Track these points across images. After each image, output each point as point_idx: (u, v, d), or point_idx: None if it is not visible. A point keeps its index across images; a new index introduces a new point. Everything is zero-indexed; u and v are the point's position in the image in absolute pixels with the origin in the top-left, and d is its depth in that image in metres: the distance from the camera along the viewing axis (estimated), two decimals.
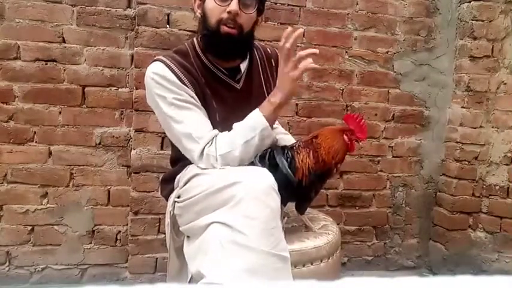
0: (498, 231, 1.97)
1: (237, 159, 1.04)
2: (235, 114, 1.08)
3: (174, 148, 1.20)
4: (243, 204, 0.90)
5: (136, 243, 1.74)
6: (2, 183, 1.71)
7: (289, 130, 1.76)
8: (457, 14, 2.01)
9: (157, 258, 1.76)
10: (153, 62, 1.12)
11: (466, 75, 1.96)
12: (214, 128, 1.10)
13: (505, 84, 1.95)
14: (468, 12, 1.95)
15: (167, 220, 1.19)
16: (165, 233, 1.40)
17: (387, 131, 2.01)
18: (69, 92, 1.73)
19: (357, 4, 1.92)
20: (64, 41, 1.72)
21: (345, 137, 1.15)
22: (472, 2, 1.93)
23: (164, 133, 1.45)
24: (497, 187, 1.98)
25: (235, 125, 1.06)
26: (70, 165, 1.76)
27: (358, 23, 1.93)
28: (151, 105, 1.15)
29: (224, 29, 1.08)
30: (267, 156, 1.11)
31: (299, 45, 1.86)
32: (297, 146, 1.15)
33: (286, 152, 1.13)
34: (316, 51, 1.01)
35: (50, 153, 1.74)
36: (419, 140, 2.06)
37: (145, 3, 1.68)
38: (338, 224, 1.43)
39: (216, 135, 1.07)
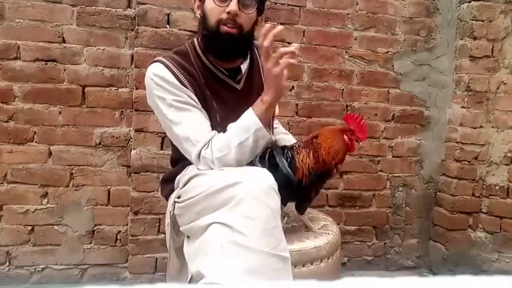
0: (498, 231, 1.97)
1: (233, 161, 1.04)
2: (235, 115, 1.08)
3: (174, 148, 1.20)
4: (243, 205, 0.90)
5: (136, 243, 1.74)
6: (2, 183, 1.71)
7: (289, 130, 1.76)
8: (457, 14, 2.01)
9: (157, 258, 1.76)
10: (152, 63, 1.12)
11: (466, 75, 1.96)
12: (214, 128, 1.10)
13: (505, 84, 1.95)
14: (468, 12, 1.95)
15: (167, 220, 1.19)
16: (165, 233, 1.40)
17: (387, 131, 2.01)
18: (69, 92, 1.73)
19: (357, 4, 1.92)
20: (64, 41, 1.72)
21: (345, 137, 1.15)
22: (472, 2, 1.93)
23: (164, 133, 1.45)
24: (497, 187, 1.98)
25: (230, 126, 1.06)
26: (70, 165, 1.76)
27: (358, 23, 1.93)
28: (152, 106, 1.15)
29: (224, 28, 1.08)
30: (267, 156, 1.11)
31: (300, 45, 1.87)
32: (297, 146, 1.15)
33: (286, 152, 1.13)
34: (295, 50, 1.00)
35: (50, 153, 1.74)
36: (419, 140, 2.06)
37: (145, 3, 1.68)
38: (338, 224, 1.43)
39: (212, 138, 1.06)
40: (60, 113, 1.73)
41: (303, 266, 1.12)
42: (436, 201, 2.09)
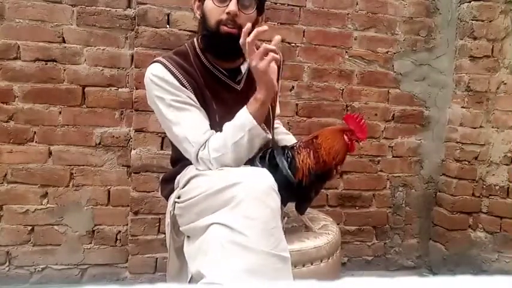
0: (498, 231, 1.97)
1: (230, 161, 1.04)
2: (234, 115, 1.08)
3: (174, 148, 1.20)
4: (243, 205, 0.89)
5: (136, 243, 1.74)
6: (2, 183, 1.71)
7: (289, 130, 1.76)
8: (457, 14, 2.01)
9: (157, 258, 1.76)
10: (152, 63, 1.12)
11: (466, 75, 1.96)
12: (213, 128, 1.10)
13: (505, 84, 1.95)
14: (468, 12, 1.95)
15: (167, 220, 1.19)
16: (165, 233, 1.40)
17: (387, 131, 2.01)
18: (69, 92, 1.73)
19: (357, 4, 1.92)
20: (64, 41, 1.72)
21: (345, 137, 1.15)
22: (472, 2, 1.93)
23: (164, 133, 1.45)
24: (497, 187, 1.98)
25: (226, 125, 1.06)
26: (70, 165, 1.76)
27: (358, 23, 1.93)
28: (152, 106, 1.16)
29: (224, 29, 1.07)
30: (267, 157, 1.11)
31: (300, 45, 1.87)
32: (297, 146, 1.15)
33: (286, 152, 1.13)
34: (277, 44, 1.00)
35: (50, 153, 1.74)
36: (419, 140, 2.06)
37: (145, 3, 1.68)
38: (338, 224, 1.43)
39: (209, 138, 1.06)
40: (60, 113, 1.73)
41: (303, 266, 1.12)
42: (436, 201, 2.09)
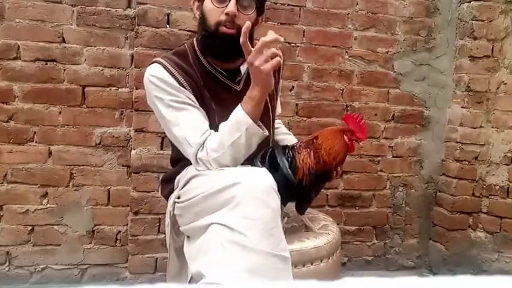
0: (498, 231, 1.97)
1: (229, 161, 1.04)
2: None
3: (174, 148, 1.20)
4: (243, 205, 0.89)
5: (136, 243, 1.74)
6: (2, 183, 1.71)
7: (289, 130, 1.76)
8: (457, 14, 2.01)
9: (157, 258, 1.76)
10: (151, 64, 1.12)
11: (466, 75, 1.96)
12: (213, 129, 1.09)
13: (505, 84, 1.95)
14: (468, 12, 1.95)
15: (167, 220, 1.19)
16: (165, 233, 1.40)
17: (387, 131, 2.01)
18: (69, 92, 1.73)
19: (357, 4, 1.92)
20: (64, 41, 1.72)
21: (345, 137, 1.15)
22: (472, 2, 1.93)
23: (164, 133, 1.45)
24: (497, 187, 1.98)
25: (222, 125, 1.06)
26: (70, 165, 1.76)
27: (358, 23, 1.93)
28: (151, 107, 1.15)
29: (223, 30, 1.07)
30: (268, 156, 1.11)
31: (300, 45, 1.87)
32: (297, 146, 1.15)
33: (287, 151, 1.13)
34: (281, 38, 0.99)
35: (50, 153, 1.74)
36: (419, 140, 2.06)
37: (145, 3, 1.68)
38: (338, 224, 1.43)
39: (207, 139, 1.06)
40: (60, 113, 1.73)
41: (303, 266, 1.12)
42: (436, 201, 2.09)
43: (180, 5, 1.70)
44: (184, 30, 1.72)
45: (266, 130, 1.09)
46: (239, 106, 1.05)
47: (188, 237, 1.07)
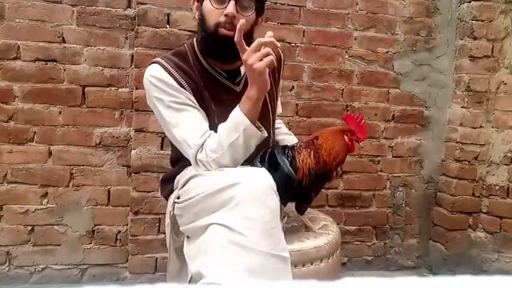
0: (498, 231, 1.97)
1: (228, 162, 1.04)
2: None
3: (174, 148, 1.20)
4: (242, 205, 0.89)
5: (136, 243, 1.74)
6: (2, 183, 1.71)
7: (289, 130, 1.76)
8: (457, 14, 2.01)
9: (157, 258, 1.76)
10: (151, 64, 1.12)
11: (466, 75, 1.96)
12: (212, 130, 1.09)
13: (505, 84, 1.95)
14: (468, 12, 1.95)
15: (167, 220, 1.19)
16: (165, 233, 1.40)
17: (387, 131, 2.01)
18: (69, 92, 1.73)
19: (357, 4, 1.92)
20: (64, 41, 1.72)
21: (346, 137, 1.15)
22: (472, 2, 1.93)
23: (164, 133, 1.45)
24: (497, 187, 1.98)
25: (220, 126, 1.06)
26: (70, 165, 1.76)
27: (358, 23, 1.93)
28: (151, 107, 1.15)
29: (222, 31, 1.07)
30: (267, 156, 1.11)
31: (300, 45, 1.87)
32: (297, 146, 1.15)
33: (287, 151, 1.13)
34: (278, 44, 0.99)
35: (50, 153, 1.74)
36: (419, 140, 2.06)
37: (145, 3, 1.68)
38: (338, 224, 1.43)
39: (206, 140, 1.06)
40: (60, 113, 1.73)
41: (303, 266, 1.12)
42: (436, 201, 2.09)
43: (180, 5, 1.70)
44: (184, 30, 1.72)
45: (265, 131, 1.08)
46: (237, 107, 1.05)
47: (188, 237, 1.07)
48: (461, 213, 1.99)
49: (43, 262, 1.76)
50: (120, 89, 1.77)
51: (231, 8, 1.05)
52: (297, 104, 1.90)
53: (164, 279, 1.57)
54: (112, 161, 1.79)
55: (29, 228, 1.74)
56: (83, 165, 1.77)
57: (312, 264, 1.14)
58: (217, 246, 0.88)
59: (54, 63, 1.71)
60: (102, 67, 1.75)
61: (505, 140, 1.96)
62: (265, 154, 1.12)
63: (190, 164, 1.11)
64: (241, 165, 1.08)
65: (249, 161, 1.11)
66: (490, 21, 1.93)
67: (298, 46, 1.87)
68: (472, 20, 1.93)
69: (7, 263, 1.73)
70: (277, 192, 0.95)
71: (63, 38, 1.71)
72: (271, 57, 0.97)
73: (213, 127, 1.10)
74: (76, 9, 1.71)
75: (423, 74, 2.03)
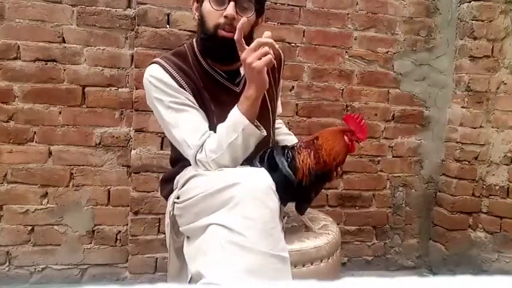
0: (498, 231, 1.97)
1: (228, 162, 1.04)
2: None
3: (174, 148, 1.20)
4: (241, 205, 0.89)
5: (136, 243, 1.74)
6: (2, 183, 1.71)
7: (289, 130, 1.76)
8: (457, 14, 2.01)
9: (157, 258, 1.76)
10: (150, 64, 1.12)
11: (466, 75, 1.96)
12: (212, 130, 1.09)
13: (505, 84, 1.95)
14: (468, 12, 1.95)
15: (167, 220, 1.19)
16: (165, 233, 1.40)
17: (387, 131, 2.01)
18: (69, 92, 1.73)
19: (357, 4, 1.92)
20: (64, 41, 1.72)
21: (346, 138, 1.15)
22: (472, 2, 1.93)
23: (164, 133, 1.45)
24: (497, 187, 1.98)
25: (219, 126, 1.06)
26: (70, 165, 1.76)
27: (358, 23, 1.93)
28: (151, 107, 1.15)
29: (221, 33, 1.07)
30: (267, 156, 1.11)
31: (300, 45, 1.87)
32: (297, 146, 1.15)
33: (287, 152, 1.13)
34: (275, 45, 0.99)
35: (50, 153, 1.74)
36: (419, 140, 2.06)
37: (145, 3, 1.68)
38: (338, 224, 1.43)
39: (205, 140, 1.06)
40: (60, 113, 1.73)
41: (303, 266, 1.12)
42: (436, 201, 2.09)
43: (180, 5, 1.70)
44: (184, 30, 1.72)
45: (264, 130, 1.08)
46: (235, 107, 1.05)
47: (188, 237, 1.07)
48: (461, 213, 1.99)
49: (43, 262, 1.76)
50: (120, 89, 1.77)
51: (230, 9, 1.05)
52: (297, 104, 1.90)
53: (164, 279, 1.57)
54: (112, 161, 1.79)
55: (29, 228, 1.74)
56: (83, 165, 1.77)
57: (312, 264, 1.14)
58: (216, 246, 0.88)
59: (54, 63, 1.71)
60: (102, 67, 1.75)
61: (505, 140, 1.96)
62: (264, 154, 1.12)
63: (190, 164, 1.11)
64: (241, 165, 1.08)
65: (249, 161, 1.11)
66: (490, 21, 1.93)
67: (298, 46, 1.87)
68: (472, 20, 1.93)
69: (7, 263, 1.73)
70: (276, 193, 0.95)
71: (63, 38, 1.72)
72: (270, 56, 0.97)
73: (213, 127, 1.10)
74: (76, 9, 1.71)
75: (423, 74, 2.03)
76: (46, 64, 1.70)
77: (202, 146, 1.05)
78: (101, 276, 1.81)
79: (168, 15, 1.70)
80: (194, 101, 1.10)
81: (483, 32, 1.93)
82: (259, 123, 1.08)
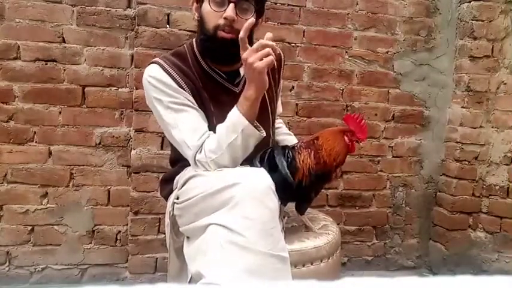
0: (498, 231, 1.97)
1: (227, 162, 1.04)
2: None
3: (174, 148, 1.20)
4: (241, 206, 0.89)
5: (136, 243, 1.74)
6: (2, 183, 1.71)
7: (289, 130, 1.76)
8: (457, 14, 2.01)
9: (157, 258, 1.76)
10: (150, 64, 1.12)
11: (466, 75, 1.96)
12: (211, 131, 1.09)
13: (505, 84, 1.95)
14: (468, 12, 1.95)
15: (167, 220, 1.19)
16: (165, 233, 1.40)
17: (387, 131, 2.01)
18: (69, 92, 1.73)
19: (357, 4, 1.92)
20: (64, 41, 1.72)
21: (346, 138, 1.15)
22: (472, 2, 1.93)
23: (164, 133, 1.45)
24: (497, 187, 1.98)
25: (219, 127, 1.06)
26: (70, 165, 1.76)
27: (358, 23, 1.93)
28: (150, 108, 1.15)
29: (221, 34, 1.07)
30: (267, 157, 1.11)
31: (300, 45, 1.87)
32: (298, 146, 1.15)
33: (287, 152, 1.13)
34: (278, 50, 1.00)
35: (50, 153, 1.74)
36: (419, 140, 2.06)
37: (145, 3, 1.68)
38: (338, 224, 1.43)
39: (205, 141, 1.06)
40: (60, 113, 1.73)
41: (303, 266, 1.12)
42: (436, 201, 2.09)
43: (180, 5, 1.70)
44: (184, 30, 1.72)
45: (263, 131, 1.08)
46: (235, 107, 1.05)
47: (188, 237, 1.07)
48: (461, 213, 1.99)
49: (43, 262, 1.76)
50: (120, 89, 1.77)
51: (230, 11, 1.04)
52: (297, 104, 1.90)
53: (164, 279, 1.57)
54: (112, 161, 1.79)
55: (29, 228, 1.74)
56: (83, 165, 1.77)
57: (312, 264, 1.14)
58: (216, 246, 0.88)
59: (54, 63, 1.71)
60: (102, 67, 1.75)
61: (505, 140, 1.96)
62: (264, 154, 1.12)
63: (190, 165, 1.11)
64: (241, 165, 1.08)
65: (249, 161, 1.11)
66: (490, 21, 1.93)
67: (298, 46, 1.87)
68: (472, 20, 1.93)
69: (7, 263, 1.73)
70: (276, 193, 0.95)
71: (63, 38, 1.72)
72: (272, 58, 0.97)
73: (212, 128, 1.09)
74: (76, 9, 1.71)
75: (423, 74, 2.03)
76: (46, 64, 1.70)
77: (201, 146, 1.05)
78: (101, 276, 1.81)
79: (168, 15, 1.70)
80: (193, 101, 1.10)
81: (483, 32, 1.93)
82: (258, 124, 1.08)
